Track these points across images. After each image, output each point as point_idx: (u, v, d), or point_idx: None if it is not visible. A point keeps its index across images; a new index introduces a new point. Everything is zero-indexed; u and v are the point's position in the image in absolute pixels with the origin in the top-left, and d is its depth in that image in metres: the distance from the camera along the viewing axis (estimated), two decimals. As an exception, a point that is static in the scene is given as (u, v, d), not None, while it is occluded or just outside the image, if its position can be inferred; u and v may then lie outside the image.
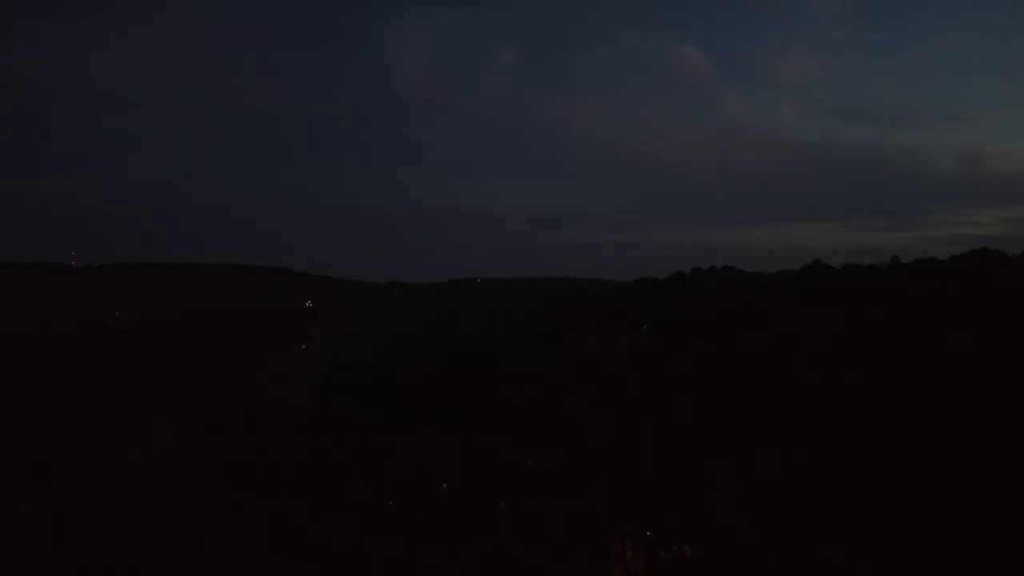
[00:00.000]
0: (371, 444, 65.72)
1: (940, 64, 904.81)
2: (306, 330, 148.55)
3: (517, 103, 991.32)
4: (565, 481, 55.32)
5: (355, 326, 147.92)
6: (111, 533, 46.96)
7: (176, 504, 51.53)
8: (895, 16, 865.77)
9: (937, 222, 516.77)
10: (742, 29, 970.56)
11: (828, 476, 52.29)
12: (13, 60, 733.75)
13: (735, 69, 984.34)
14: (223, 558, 44.33)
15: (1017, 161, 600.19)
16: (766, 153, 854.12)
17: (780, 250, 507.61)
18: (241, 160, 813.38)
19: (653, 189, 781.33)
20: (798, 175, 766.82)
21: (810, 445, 57.47)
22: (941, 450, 52.11)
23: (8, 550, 45.04)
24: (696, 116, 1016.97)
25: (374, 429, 72.36)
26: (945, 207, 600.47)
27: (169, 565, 43.76)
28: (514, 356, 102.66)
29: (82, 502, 51.34)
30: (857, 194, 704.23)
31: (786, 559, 43.55)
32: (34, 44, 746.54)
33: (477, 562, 44.81)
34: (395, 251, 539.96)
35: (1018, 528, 41.39)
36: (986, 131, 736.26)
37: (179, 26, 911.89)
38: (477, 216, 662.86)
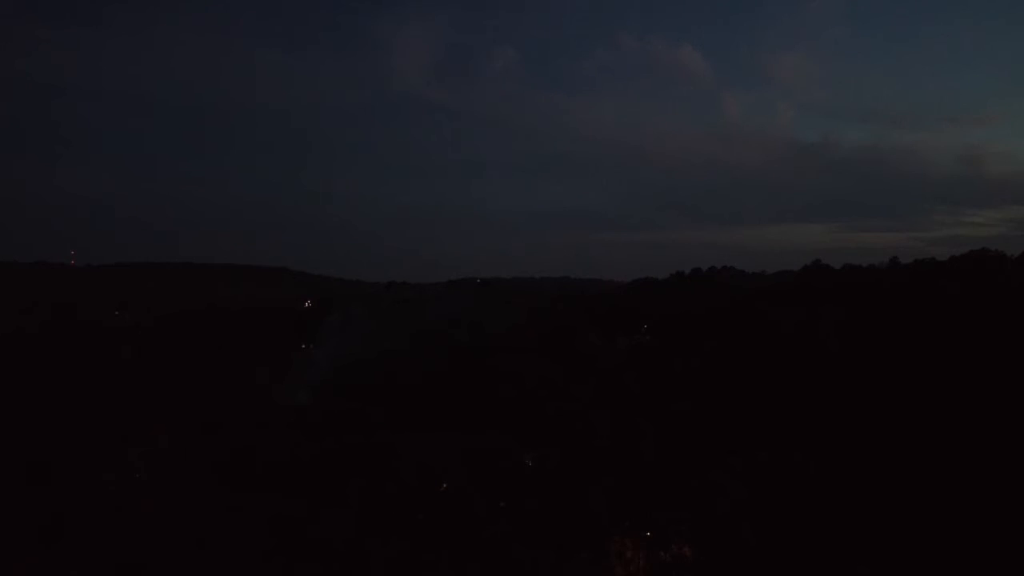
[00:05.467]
0: (371, 444, 65.67)
1: (940, 64, 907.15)
2: (306, 330, 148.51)
3: (517, 103, 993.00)
4: (565, 481, 55.32)
5: (355, 325, 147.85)
6: (111, 533, 46.96)
7: (176, 504, 51.51)
8: (894, 16, 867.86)
9: (937, 222, 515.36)
10: (740, 30, 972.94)
11: (827, 476, 52.33)
12: (27, 62, 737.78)
13: (734, 70, 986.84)
14: (223, 558, 44.34)
15: (1017, 161, 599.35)
16: (765, 153, 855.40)
17: (780, 250, 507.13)
18: (240, 160, 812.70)
19: (653, 189, 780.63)
20: (798, 175, 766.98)
21: (809, 446, 57.51)
22: (941, 450, 52.14)
23: (8, 549, 45.05)
24: (695, 116, 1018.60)
25: (374, 429, 72.31)
26: (945, 207, 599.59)
27: (169, 565, 43.79)
28: (514, 356, 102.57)
29: (82, 502, 51.31)
30: (857, 194, 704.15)
31: (785, 559, 43.61)
32: (46, 46, 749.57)
33: (477, 562, 44.84)
34: (394, 251, 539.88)
35: (1018, 528, 41.44)
36: (986, 131, 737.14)
37: (179, 27, 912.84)
38: (477, 216, 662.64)
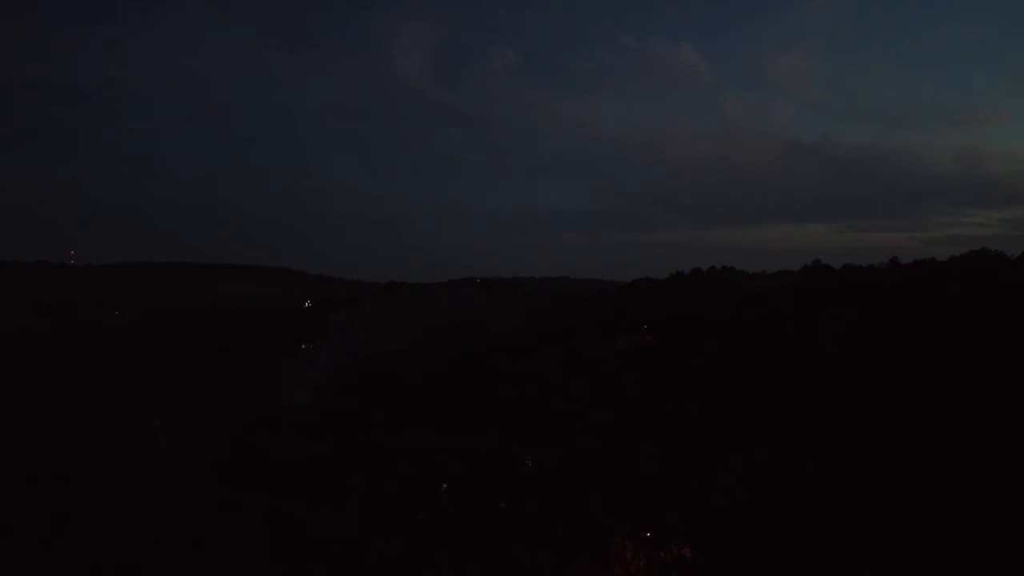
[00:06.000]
0: (371, 444, 65.71)
1: (940, 64, 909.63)
2: (306, 330, 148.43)
3: (517, 103, 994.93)
4: (565, 481, 55.32)
5: (355, 326, 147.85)
6: (111, 533, 46.95)
7: (176, 504, 51.52)
8: (894, 17, 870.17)
9: (936, 222, 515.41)
10: (741, 30, 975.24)
11: (827, 476, 52.32)
12: (29, 62, 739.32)
13: (734, 70, 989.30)
14: (222, 558, 44.34)
15: (1017, 162, 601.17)
16: (765, 153, 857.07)
17: (780, 250, 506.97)
18: (240, 160, 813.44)
19: (653, 189, 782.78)
20: (797, 175, 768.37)
21: (809, 446, 57.50)
22: (942, 450, 52.12)
23: (9, 550, 45.04)
24: (695, 116, 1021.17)
25: (375, 429, 72.32)
26: (945, 207, 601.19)
27: (169, 565, 43.78)
28: (514, 356, 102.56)
29: (83, 502, 51.31)
30: (857, 194, 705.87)
31: (785, 559, 43.58)
32: (49, 46, 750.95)
33: (477, 562, 44.84)
34: (394, 251, 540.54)
35: (1019, 529, 41.42)
36: (985, 132, 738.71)
37: (180, 28, 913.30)
38: (477, 216, 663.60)
